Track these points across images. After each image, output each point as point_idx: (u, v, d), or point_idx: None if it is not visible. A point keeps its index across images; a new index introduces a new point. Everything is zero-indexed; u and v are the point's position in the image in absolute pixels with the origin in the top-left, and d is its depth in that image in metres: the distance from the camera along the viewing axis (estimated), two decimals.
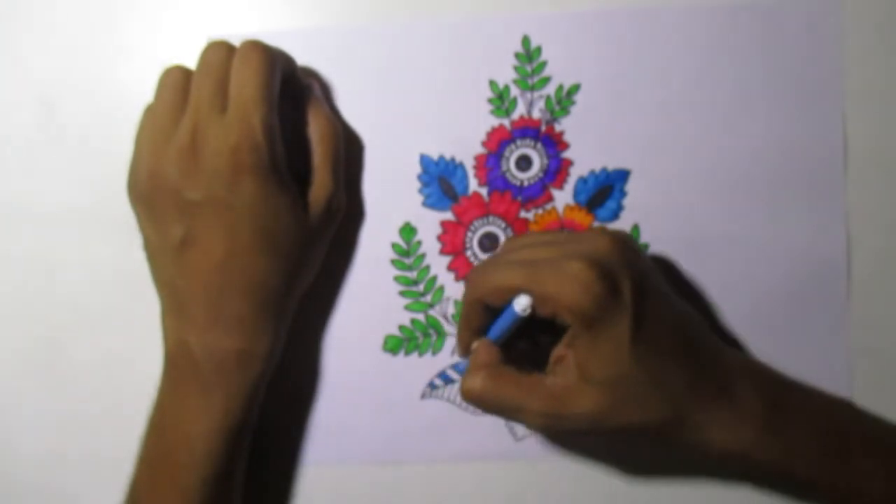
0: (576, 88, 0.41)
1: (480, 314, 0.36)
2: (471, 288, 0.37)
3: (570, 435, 0.40)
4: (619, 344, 0.33)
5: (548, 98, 0.41)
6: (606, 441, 0.42)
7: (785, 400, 0.37)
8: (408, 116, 0.41)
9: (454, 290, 0.42)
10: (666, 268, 0.41)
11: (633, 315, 0.33)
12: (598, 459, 0.42)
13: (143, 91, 0.39)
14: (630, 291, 0.33)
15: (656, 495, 0.42)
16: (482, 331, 0.37)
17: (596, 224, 0.42)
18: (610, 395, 0.34)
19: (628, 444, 0.41)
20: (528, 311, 0.34)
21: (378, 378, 0.42)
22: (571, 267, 0.33)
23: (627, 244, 0.35)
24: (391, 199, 0.42)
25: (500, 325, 0.36)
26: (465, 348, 0.38)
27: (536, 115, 0.41)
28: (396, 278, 0.42)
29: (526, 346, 0.38)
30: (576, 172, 0.42)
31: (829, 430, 0.37)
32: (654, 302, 0.34)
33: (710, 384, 0.35)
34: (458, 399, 0.42)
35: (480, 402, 0.35)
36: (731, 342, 0.41)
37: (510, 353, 0.36)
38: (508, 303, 0.35)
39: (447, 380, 0.42)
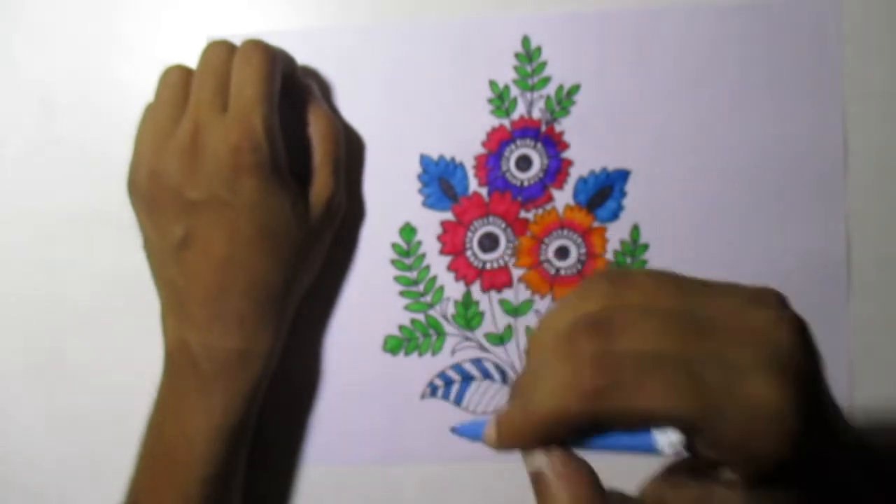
0: (576, 88, 0.41)
1: (569, 429, 0.23)
2: (576, 395, 0.22)
3: None
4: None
5: (548, 98, 0.41)
6: None
7: None
8: (408, 116, 0.41)
9: (454, 290, 0.42)
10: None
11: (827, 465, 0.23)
12: (598, 461, 0.42)
13: (143, 91, 0.39)
14: (820, 427, 0.22)
15: None
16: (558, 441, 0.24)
17: (596, 224, 0.42)
18: None
19: None
20: (680, 452, 0.22)
21: (378, 378, 0.42)
22: (760, 392, 0.21)
23: (809, 334, 0.23)
24: (391, 199, 0.42)
25: (606, 445, 0.24)
26: (508, 446, 0.24)
27: (536, 115, 0.41)
28: (396, 278, 0.42)
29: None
30: (576, 172, 0.42)
31: None
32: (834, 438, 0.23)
33: None
34: (458, 399, 0.42)
35: None
36: None
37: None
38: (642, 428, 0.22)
39: (447, 380, 0.42)
